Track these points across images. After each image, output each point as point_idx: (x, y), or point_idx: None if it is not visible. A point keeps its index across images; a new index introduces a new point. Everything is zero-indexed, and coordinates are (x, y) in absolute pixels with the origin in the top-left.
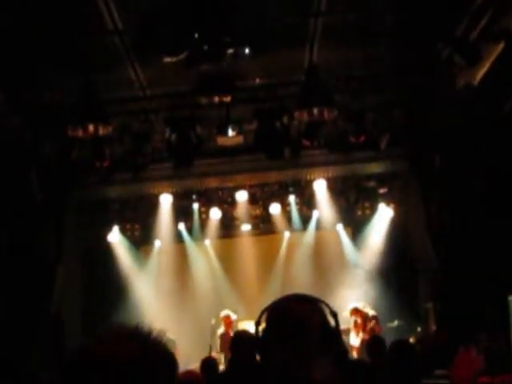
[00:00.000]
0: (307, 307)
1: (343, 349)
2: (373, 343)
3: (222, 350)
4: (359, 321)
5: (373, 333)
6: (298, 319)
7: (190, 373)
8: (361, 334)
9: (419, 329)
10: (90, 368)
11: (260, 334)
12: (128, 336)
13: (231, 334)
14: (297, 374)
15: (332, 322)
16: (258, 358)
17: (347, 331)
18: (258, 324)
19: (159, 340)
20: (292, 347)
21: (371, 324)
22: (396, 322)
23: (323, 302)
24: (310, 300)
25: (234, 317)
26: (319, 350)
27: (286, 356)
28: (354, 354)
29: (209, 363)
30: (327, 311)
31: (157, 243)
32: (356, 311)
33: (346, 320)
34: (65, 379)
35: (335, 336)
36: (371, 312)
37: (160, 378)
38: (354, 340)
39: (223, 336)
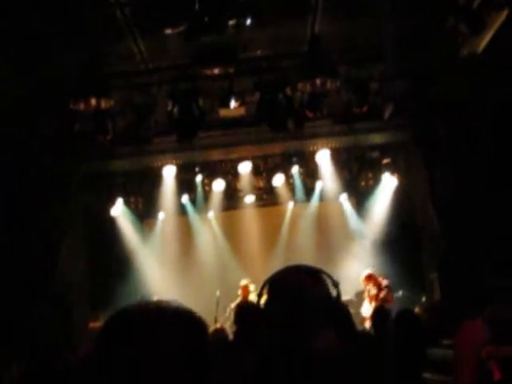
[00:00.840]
0: (308, 278)
1: (347, 320)
2: (377, 314)
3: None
4: (373, 290)
5: (385, 303)
6: (299, 290)
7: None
8: (373, 304)
9: (424, 299)
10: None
11: (262, 305)
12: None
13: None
14: (299, 345)
15: (334, 292)
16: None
17: (352, 302)
18: (260, 296)
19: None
20: (293, 318)
21: (384, 293)
22: (400, 293)
23: (325, 272)
24: (311, 271)
25: (252, 287)
26: (321, 321)
27: (288, 327)
28: (367, 325)
29: (219, 335)
30: (329, 282)
31: (160, 216)
32: (370, 278)
33: (347, 291)
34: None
35: (337, 307)
36: (384, 281)
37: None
38: (368, 309)
39: None
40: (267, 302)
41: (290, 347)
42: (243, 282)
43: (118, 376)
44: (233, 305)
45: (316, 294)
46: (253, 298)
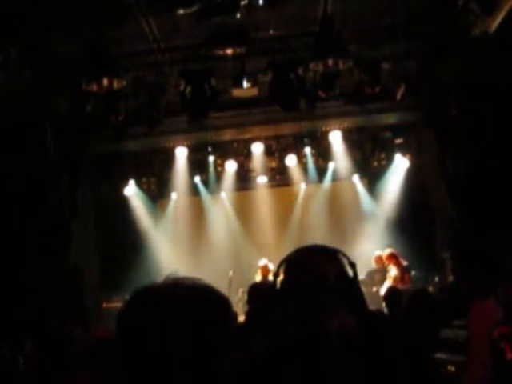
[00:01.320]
0: (325, 258)
1: (362, 300)
2: (390, 295)
3: None
4: (393, 270)
5: (403, 284)
6: (316, 270)
7: None
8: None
9: (437, 279)
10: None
11: (278, 285)
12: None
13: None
14: (314, 324)
15: (350, 272)
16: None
17: (364, 282)
18: (276, 275)
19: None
20: (309, 298)
21: (403, 274)
22: (413, 272)
23: (341, 252)
24: (327, 250)
25: (271, 266)
26: (337, 301)
27: (304, 307)
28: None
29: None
30: (345, 261)
31: (173, 196)
32: (391, 256)
33: (359, 271)
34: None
35: (353, 286)
36: (404, 262)
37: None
38: None
39: None
40: (283, 282)
41: (306, 326)
42: (262, 262)
43: (144, 351)
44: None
45: (332, 274)
46: (255, 278)
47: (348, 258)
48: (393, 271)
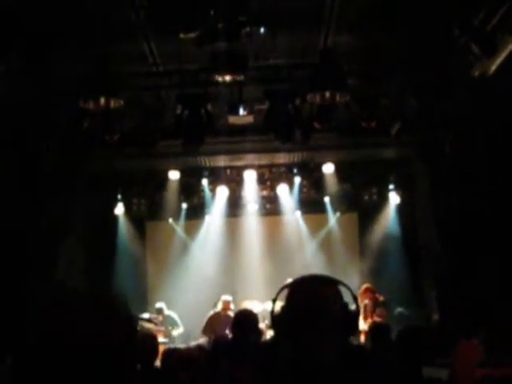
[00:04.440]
0: (331, 290)
1: (354, 333)
2: (376, 329)
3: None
4: (370, 304)
5: (379, 318)
6: (322, 302)
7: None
8: (369, 320)
9: (422, 317)
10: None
11: (276, 311)
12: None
13: (225, 315)
14: (304, 356)
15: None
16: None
17: None
18: (274, 301)
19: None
20: (312, 329)
21: (380, 310)
22: (399, 309)
23: (345, 284)
24: (332, 282)
25: (232, 306)
26: (339, 335)
27: (303, 336)
28: (362, 339)
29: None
30: (345, 294)
31: (162, 218)
32: (367, 291)
33: None
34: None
35: (355, 321)
36: (381, 297)
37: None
38: (363, 325)
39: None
40: (284, 309)
41: (296, 358)
42: (227, 298)
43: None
44: (208, 314)
45: (337, 307)
46: (231, 315)
47: (351, 291)
48: (369, 306)
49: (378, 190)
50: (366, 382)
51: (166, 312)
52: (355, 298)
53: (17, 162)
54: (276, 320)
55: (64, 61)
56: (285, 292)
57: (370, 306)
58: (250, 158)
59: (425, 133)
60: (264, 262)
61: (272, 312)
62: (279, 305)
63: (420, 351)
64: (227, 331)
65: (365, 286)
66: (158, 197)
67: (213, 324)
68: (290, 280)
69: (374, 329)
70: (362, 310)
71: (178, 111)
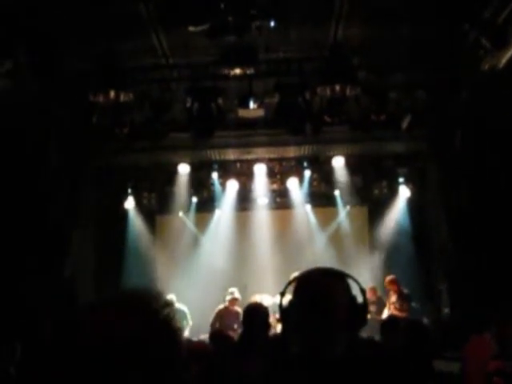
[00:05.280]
0: (338, 283)
1: (362, 326)
2: (386, 323)
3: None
4: (393, 297)
5: (401, 312)
6: (330, 296)
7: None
8: (391, 312)
9: (433, 310)
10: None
11: (285, 304)
12: (131, 307)
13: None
14: (318, 349)
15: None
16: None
17: None
18: (282, 295)
19: (166, 316)
20: (319, 323)
21: (406, 304)
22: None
23: (352, 277)
24: (340, 275)
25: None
26: (345, 327)
27: (312, 330)
28: None
29: (220, 335)
30: (353, 286)
31: (172, 212)
32: (392, 282)
33: None
34: (50, 355)
35: (363, 314)
36: (405, 290)
37: (160, 358)
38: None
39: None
40: (292, 302)
41: (310, 349)
42: (234, 291)
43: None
44: (217, 309)
45: (344, 300)
46: (239, 309)
47: (359, 284)
48: (392, 298)
49: (388, 183)
50: (373, 376)
51: (176, 305)
52: (363, 291)
53: (25, 157)
54: (284, 314)
55: (73, 55)
56: (293, 286)
57: (396, 301)
58: (260, 152)
59: (436, 128)
60: (274, 255)
61: (280, 306)
62: (287, 298)
63: (426, 344)
64: (235, 325)
65: (390, 277)
66: (168, 190)
67: (221, 317)
68: (296, 273)
69: (385, 322)
70: (389, 306)
71: (188, 104)
